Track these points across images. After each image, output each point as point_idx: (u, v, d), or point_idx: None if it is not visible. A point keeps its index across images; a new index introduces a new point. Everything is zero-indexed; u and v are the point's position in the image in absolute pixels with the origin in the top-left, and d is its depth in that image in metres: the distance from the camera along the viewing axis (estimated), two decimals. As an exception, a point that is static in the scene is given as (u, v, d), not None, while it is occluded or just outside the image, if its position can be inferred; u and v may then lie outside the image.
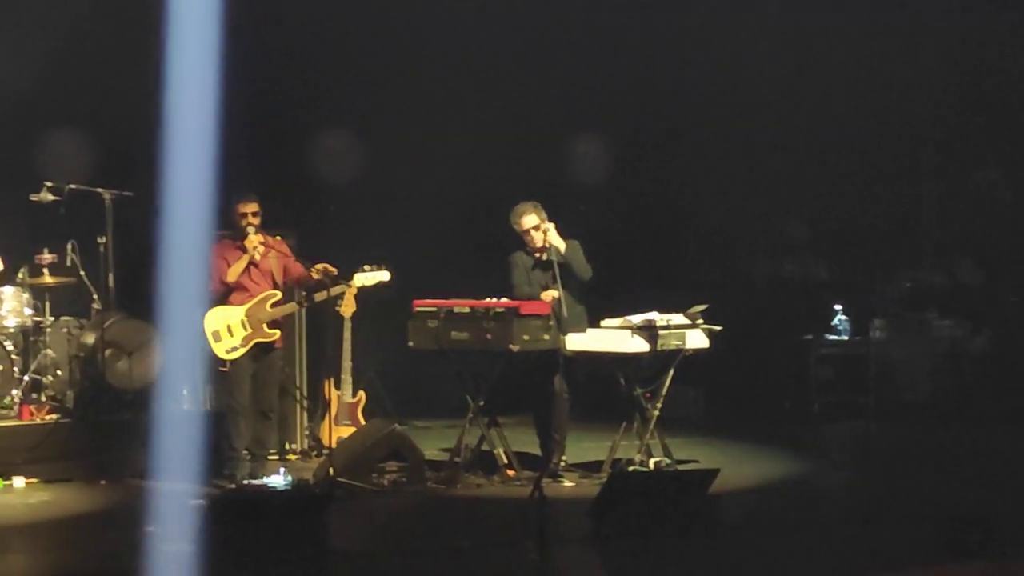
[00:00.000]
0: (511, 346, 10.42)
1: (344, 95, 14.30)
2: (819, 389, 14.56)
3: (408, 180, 14.38)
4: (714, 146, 15.32)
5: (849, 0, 14.82)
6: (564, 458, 10.92)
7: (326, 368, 11.89)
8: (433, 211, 14.47)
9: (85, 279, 11.71)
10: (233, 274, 10.59)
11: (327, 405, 11.75)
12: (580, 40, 14.88)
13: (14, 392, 11.26)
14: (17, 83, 12.57)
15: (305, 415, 12.25)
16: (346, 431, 11.41)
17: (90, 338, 11.31)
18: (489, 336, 10.50)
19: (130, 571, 7.97)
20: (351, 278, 11.00)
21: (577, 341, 10.73)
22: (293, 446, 12.14)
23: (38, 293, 11.61)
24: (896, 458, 12.17)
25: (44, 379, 11.43)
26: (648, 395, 10.88)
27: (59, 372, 11.48)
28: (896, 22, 15.01)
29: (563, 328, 10.62)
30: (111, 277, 11.64)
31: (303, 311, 11.65)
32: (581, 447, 11.51)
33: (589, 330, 10.83)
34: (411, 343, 10.89)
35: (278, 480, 10.16)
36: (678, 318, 10.85)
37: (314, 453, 11.95)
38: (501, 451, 10.84)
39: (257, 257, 10.68)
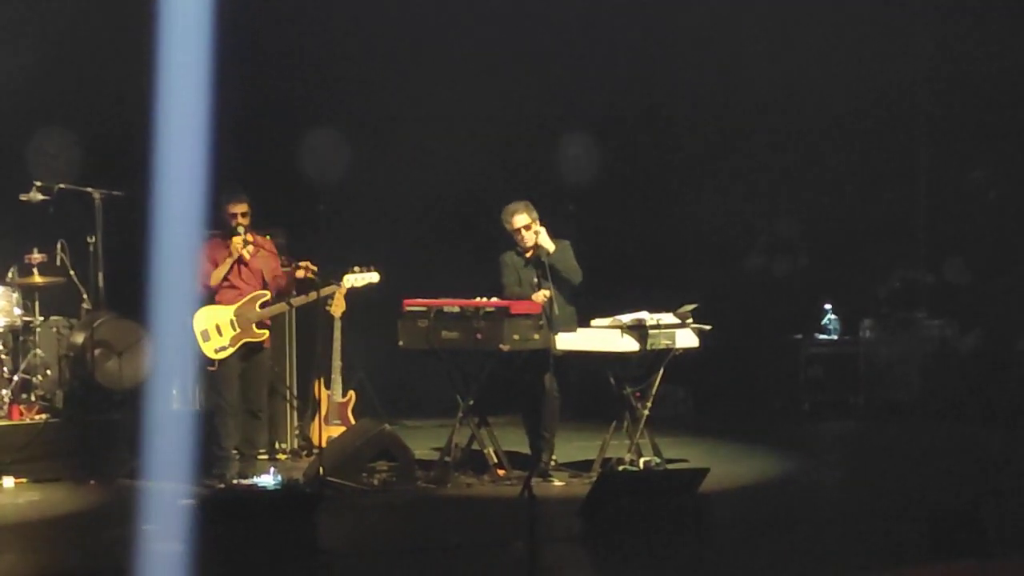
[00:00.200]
0: (501, 346, 10.42)
1: (334, 94, 14.30)
2: (809, 388, 14.59)
3: (398, 179, 14.38)
4: (705, 146, 15.34)
5: (839, 1, 14.86)
6: (554, 457, 10.93)
7: (316, 368, 11.89)
8: (423, 210, 14.48)
9: (75, 279, 11.70)
10: (216, 278, 10.58)
11: (317, 405, 11.75)
12: (570, 39, 14.88)
13: (3, 392, 11.25)
14: (6, 82, 12.55)
15: (295, 415, 12.24)
16: (336, 431, 11.41)
17: (79, 338, 11.30)
18: (479, 336, 10.50)
19: (120, 571, 7.95)
20: (340, 279, 10.99)
21: (567, 340, 10.73)
22: (283, 446, 12.13)
23: (27, 293, 11.59)
24: (886, 457, 12.19)
25: (34, 379, 11.42)
26: (638, 394, 10.89)
27: (49, 372, 11.47)
28: (887, 22, 15.04)
29: (553, 328, 10.62)
30: (100, 277, 11.64)
31: (293, 311, 11.64)
32: (571, 446, 11.52)
33: (579, 329, 10.84)
34: (401, 343, 10.89)
35: (268, 480, 10.16)
36: (668, 317, 10.86)
37: (304, 453, 11.95)
38: (491, 450, 10.84)
39: (247, 257, 10.67)
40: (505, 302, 10.63)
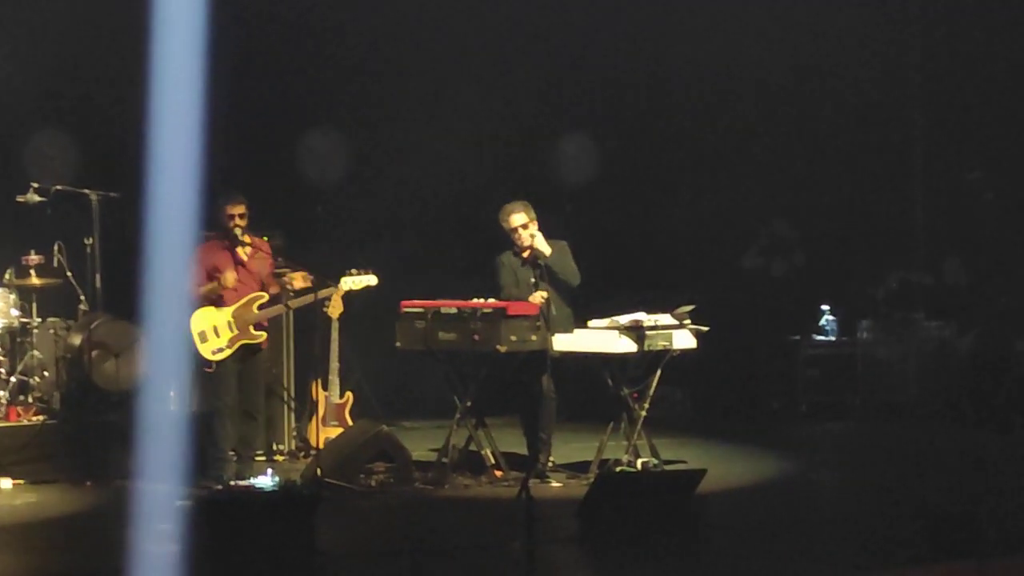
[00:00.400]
0: (498, 347, 10.42)
1: (332, 95, 14.30)
2: (806, 389, 14.57)
3: (396, 180, 14.38)
4: (703, 146, 15.34)
5: (836, 2, 14.86)
6: (552, 459, 10.93)
7: (313, 369, 11.88)
8: (421, 211, 14.49)
9: (72, 280, 11.70)
10: (202, 292, 10.55)
11: (314, 406, 11.73)
12: (566, 40, 14.89)
13: (1, 393, 11.25)
14: (3, 85, 12.55)
15: (292, 416, 12.24)
16: (333, 432, 11.40)
17: (77, 339, 11.29)
18: (477, 337, 10.49)
19: (117, 573, 7.95)
20: (338, 281, 10.99)
21: (564, 342, 10.73)
22: (280, 447, 12.13)
23: (25, 294, 11.59)
24: (883, 458, 12.19)
25: (31, 380, 11.42)
26: (635, 395, 10.88)
27: (46, 373, 11.47)
28: (883, 22, 15.04)
29: (551, 328, 10.62)
30: (98, 278, 11.65)
31: (290, 313, 11.64)
32: (568, 448, 11.52)
33: (576, 330, 10.84)
34: (399, 344, 10.89)
35: (265, 481, 10.15)
36: (665, 318, 10.85)
37: (301, 454, 11.94)
38: (489, 452, 10.84)
39: (244, 258, 10.68)
40: (502, 303, 10.63)
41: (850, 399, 14.48)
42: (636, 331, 10.68)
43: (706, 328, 11.00)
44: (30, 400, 11.36)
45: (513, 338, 10.46)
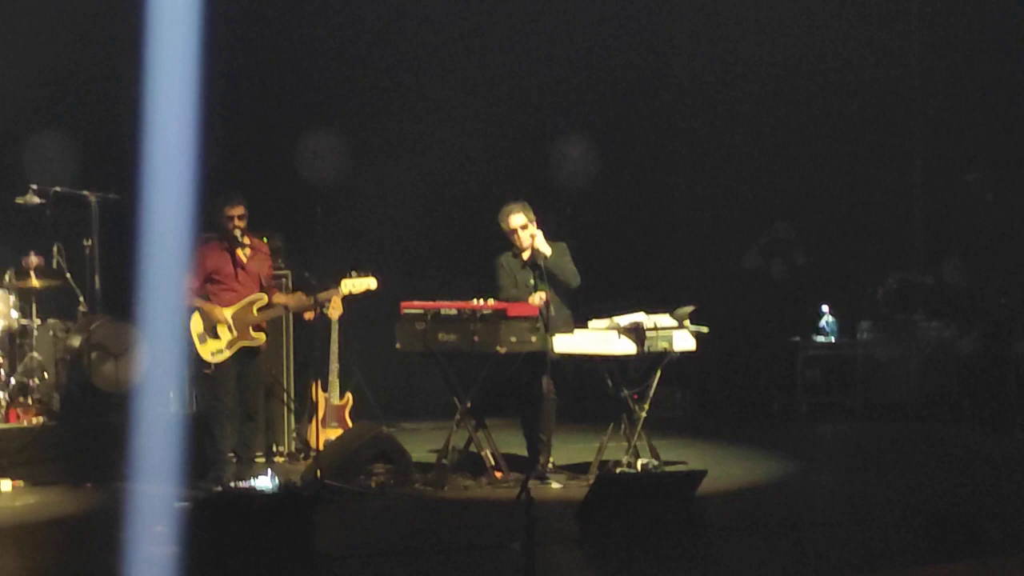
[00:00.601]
0: (498, 348, 10.41)
1: (332, 97, 14.30)
2: (807, 390, 14.58)
3: (395, 181, 14.39)
4: (701, 146, 15.35)
5: (835, 3, 14.87)
6: (552, 460, 10.92)
7: (313, 370, 11.88)
8: (420, 212, 14.48)
9: (71, 282, 11.70)
10: (196, 314, 10.55)
11: (314, 407, 11.74)
12: (565, 41, 14.89)
13: (1, 395, 11.24)
14: (2, 86, 12.55)
15: (292, 417, 12.24)
16: (333, 433, 11.41)
17: (76, 341, 11.29)
18: (476, 338, 10.49)
19: (117, 574, 7.94)
20: (338, 283, 10.98)
21: (564, 343, 10.73)
22: (280, 448, 12.13)
23: (24, 296, 11.58)
24: (883, 459, 12.18)
25: (30, 382, 11.41)
26: (635, 397, 10.87)
27: (45, 375, 11.46)
28: (884, 22, 15.04)
29: (551, 330, 10.62)
30: (97, 280, 11.65)
31: (290, 314, 11.64)
32: (568, 449, 11.51)
33: (576, 331, 10.83)
34: (398, 345, 10.88)
35: (265, 482, 10.15)
36: (665, 319, 10.85)
37: (301, 455, 11.94)
38: (488, 453, 10.83)
39: (244, 260, 10.69)
40: (502, 304, 10.62)
41: (850, 400, 14.49)
42: (636, 332, 10.67)
43: (706, 329, 11.00)
44: (30, 402, 11.35)
45: (513, 339, 10.46)
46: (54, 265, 11.67)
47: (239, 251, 10.67)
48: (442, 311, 10.70)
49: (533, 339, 10.55)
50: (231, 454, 10.65)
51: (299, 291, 11.05)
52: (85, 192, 11.65)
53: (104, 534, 8.98)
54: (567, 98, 15.00)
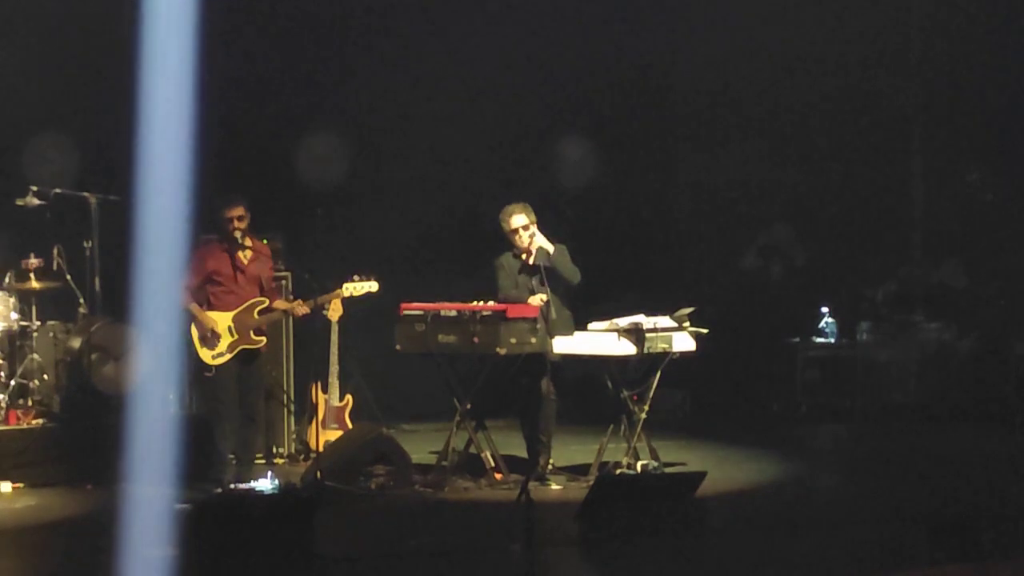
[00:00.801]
0: (498, 349, 10.41)
1: (332, 98, 14.30)
2: (806, 391, 14.59)
3: (395, 182, 14.39)
4: (700, 148, 15.35)
5: (835, 1, 14.87)
6: (551, 461, 10.93)
7: (313, 372, 11.88)
8: (420, 213, 14.48)
9: (71, 283, 11.69)
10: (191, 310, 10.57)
11: (314, 409, 11.74)
12: (566, 41, 14.88)
13: (0, 396, 11.24)
14: (2, 88, 12.55)
15: (292, 419, 12.23)
16: (333, 435, 11.41)
17: (76, 342, 11.29)
18: (476, 339, 10.49)
19: (116, 576, 7.95)
20: (340, 286, 10.98)
21: (564, 344, 10.73)
22: (280, 450, 12.13)
23: (24, 297, 11.58)
24: (883, 460, 12.18)
25: (30, 383, 11.41)
26: (635, 398, 10.88)
27: (45, 376, 11.46)
28: (883, 21, 15.04)
29: (550, 331, 10.63)
30: (97, 281, 11.64)
31: (290, 316, 11.63)
32: (568, 450, 11.52)
33: (576, 333, 10.83)
34: (398, 346, 10.88)
35: (265, 484, 10.14)
36: (665, 321, 10.85)
37: (301, 457, 11.94)
38: (488, 454, 10.83)
39: (245, 262, 10.69)
40: (502, 306, 10.62)
41: (850, 401, 14.49)
42: (636, 333, 10.67)
43: (706, 330, 11.00)
44: (30, 403, 11.35)
45: (513, 340, 10.46)
46: (54, 267, 11.66)
47: (239, 253, 10.67)
48: (442, 312, 10.70)
49: (533, 340, 10.55)
50: (231, 456, 10.64)
51: (299, 299, 11.05)
52: (85, 194, 11.65)
53: (104, 536, 8.98)
54: (567, 99, 15.00)
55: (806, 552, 8.73)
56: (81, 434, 10.99)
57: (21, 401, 11.34)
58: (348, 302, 11.17)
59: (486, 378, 10.70)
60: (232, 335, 10.57)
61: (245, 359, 10.64)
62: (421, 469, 10.89)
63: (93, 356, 11.14)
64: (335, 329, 11.59)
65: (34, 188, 11.58)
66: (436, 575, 8.36)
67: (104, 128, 12.63)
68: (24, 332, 11.48)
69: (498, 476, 10.72)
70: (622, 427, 10.89)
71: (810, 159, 15.25)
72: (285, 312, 11.03)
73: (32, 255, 11.54)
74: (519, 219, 10.90)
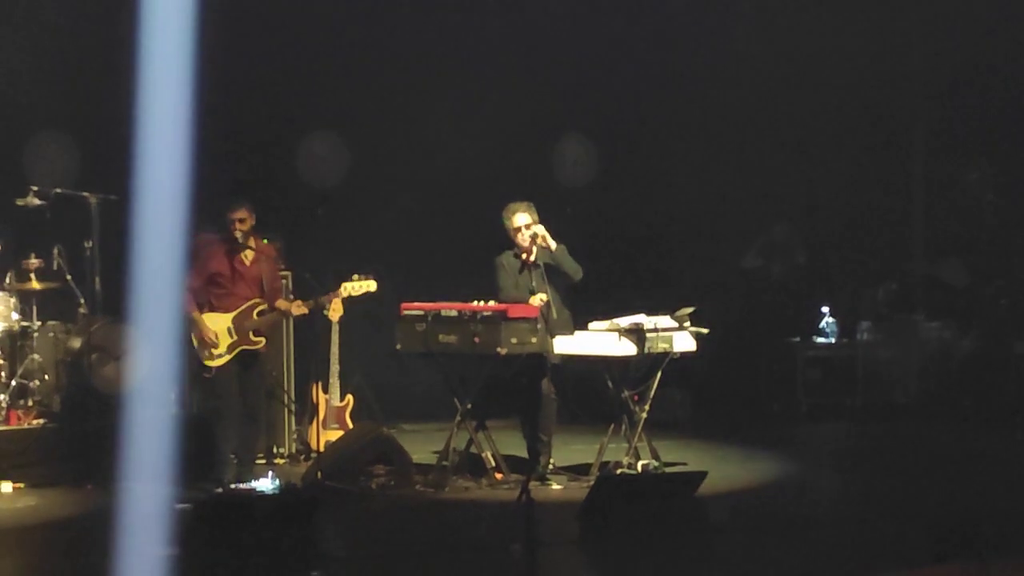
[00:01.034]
0: (499, 349, 10.41)
1: (332, 98, 14.29)
2: (807, 391, 14.57)
3: (395, 182, 14.38)
4: (701, 148, 15.34)
5: (836, 1, 14.87)
6: (552, 461, 10.93)
7: (314, 372, 11.88)
8: (420, 213, 14.48)
9: (71, 283, 11.69)
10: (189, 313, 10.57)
11: (315, 409, 11.74)
12: (566, 41, 14.88)
13: (1, 397, 11.24)
14: (2, 88, 12.55)
15: (293, 419, 12.23)
16: (334, 435, 11.41)
17: (77, 342, 11.29)
18: (477, 339, 10.49)
19: (116, 576, 7.96)
20: (339, 286, 10.98)
21: (565, 344, 10.73)
22: (281, 450, 12.13)
23: (25, 298, 11.58)
24: (884, 459, 12.18)
25: (31, 384, 11.41)
26: (636, 398, 10.88)
27: (46, 377, 11.46)
28: (883, 22, 15.04)
29: (551, 331, 10.63)
30: (97, 281, 11.64)
31: (291, 318, 11.64)
32: (569, 450, 11.51)
33: (577, 333, 10.83)
34: (399, 346, 10.89)
35: (266, 484, 10.16)
36: (666, 321, 10.85)
37: (302, 457, 11.94)
38: (489, 454, 10.83)
39: (246, 263, 10.69)
40: (502, 306, 10.62)
41: (850, 401, 14.48)
42: (636, 333, 10.68)
43: (706, 330, 11.00)
44: (30, 403, 11.35)
45: (513, 340, 10.46)
46: (54, 267, 11.66)
47: (240, 255, 10.67)
48: (442, 312, 10.70)
49: (533, 340, 10.55)
50: (232, 456, 10.64)
51: (299, 299, 11.04)
52: (85, 194, 11.65)
53: (104, 536, 8.98)
54: (568, 98, 14.99)
55: (806, 552, 8.72)
56: (81, 434, 10.98)
57: (21, 401, 11.35)
58: (349, 302, 11.16)
59: (487, 378, 10.70)
60: (231, 336, 10.57)
61: (245, 360, 10.64)
62: (422, 469, 10.89)
63: (93, 356, 11.15)
64: (335, 329, 11.59)
65: (34, 188, 11.59)
66: (436, 575, 8.36)
67: (104, 128, 12.64)
68: (24, 332, 11.49)
69: (499, 476, 10.72)
70: (623, 427, 10.89)
71: (810, 159, 15.23)
72: (287, 314, 11.03)
73: (32, 255, 11.54)
74: (522, 218, 10.89)
